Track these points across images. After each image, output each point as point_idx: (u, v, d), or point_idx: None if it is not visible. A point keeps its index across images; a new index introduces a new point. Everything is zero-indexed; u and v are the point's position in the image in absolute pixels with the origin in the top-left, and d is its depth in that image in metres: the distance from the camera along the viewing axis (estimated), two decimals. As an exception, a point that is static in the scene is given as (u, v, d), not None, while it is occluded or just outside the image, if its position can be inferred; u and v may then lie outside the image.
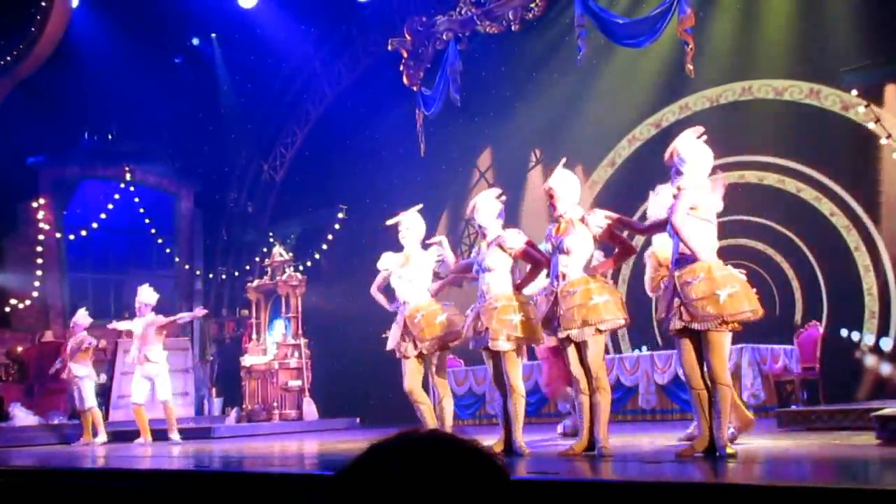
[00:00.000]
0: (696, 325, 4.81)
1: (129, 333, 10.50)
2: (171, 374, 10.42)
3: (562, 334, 5.55)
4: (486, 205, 6.13)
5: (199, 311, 11.53)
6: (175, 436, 10.04)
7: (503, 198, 6.38)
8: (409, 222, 6.82)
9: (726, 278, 4.85)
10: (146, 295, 10.35)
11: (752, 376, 9.05)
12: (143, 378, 10.05)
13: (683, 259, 4.90)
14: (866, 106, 9.83)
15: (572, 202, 5.76)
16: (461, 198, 14.83)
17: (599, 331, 5.47)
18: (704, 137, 5.15)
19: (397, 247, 7.42)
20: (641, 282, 12.45)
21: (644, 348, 11.07)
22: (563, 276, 5.55)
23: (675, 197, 5.02)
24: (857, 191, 10.58)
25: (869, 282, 10.50)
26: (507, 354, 5.84)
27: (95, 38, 13.97)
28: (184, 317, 11.04)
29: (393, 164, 13.39)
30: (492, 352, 5.94)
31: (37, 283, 14.66)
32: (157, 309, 10.49)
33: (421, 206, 7.14)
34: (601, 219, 5.61)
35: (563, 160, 6.02)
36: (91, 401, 10.54)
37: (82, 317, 10.83)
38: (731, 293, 4.78)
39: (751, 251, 10.76)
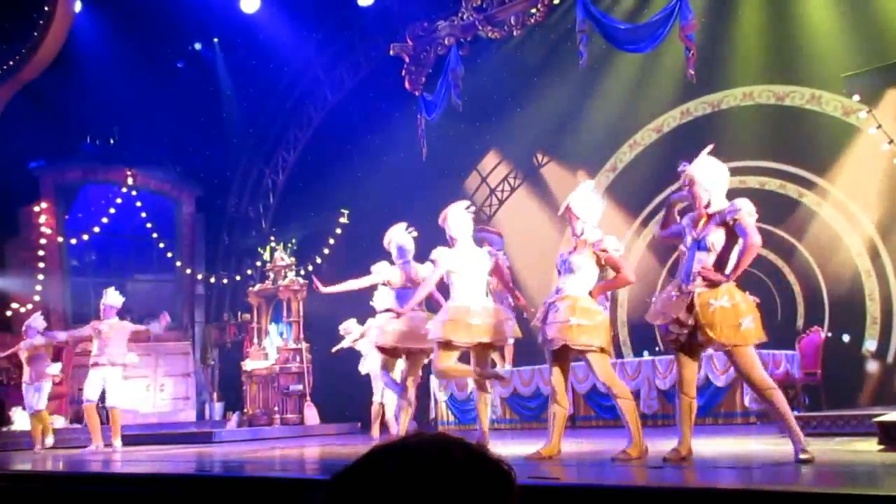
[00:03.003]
0: (711, 349, 4.85)
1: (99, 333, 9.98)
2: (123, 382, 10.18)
3: (549, 346, 5.63)
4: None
5: (164, 320, 10.43)
6: (118, 442, 9.77)
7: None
8: (456, 219, 6.69)
9: (748, 305, 4.88)
10: (113, 298, 10.11)
11: (753, 381, 9.04)
12: (100, 378, 9.80)
13: (706, 276, 4.85)
14: (867, 111, 9.83)
15: (592, 224, 5.75)
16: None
17: (590, 349, 5.55)
18: (710, 149, 5.14)
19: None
20: (644, 288, 12.48)
21: (646, 353, 11.07)
22: (560, 291, 5.69)
23: (737, 219, 4.82)
24: (858, 196, 10.58)
25: (870, 287, 10.50)
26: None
27: (98, 42, 14.00)
28: (153, 327, 10.32)
29: (394, 169, 13.40)
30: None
31: (38, 288, 14.65)
32: (157, 312, 10.49)
33: (468, 204, 6.98)
34: (614, 243, 5.70)
35: (592, 182, 6.12)
36: (44, 403, 10.40)
37: (37, 320, 10.68)
38: (752, 324, 4.81)
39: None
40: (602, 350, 5.60)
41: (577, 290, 5.66)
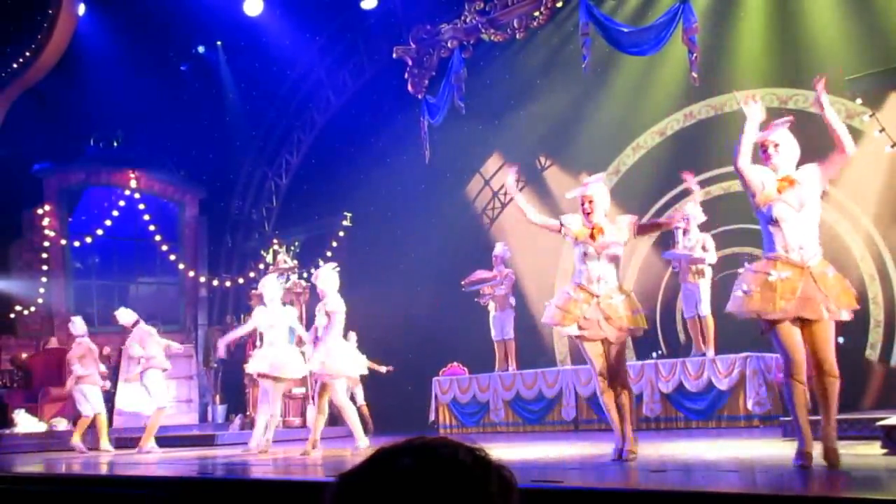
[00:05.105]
0: (842, 317, 4.66)
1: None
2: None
3: (601, 335, 5.61)
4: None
5: None
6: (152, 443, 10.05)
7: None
8: (327, 276, 8.12)
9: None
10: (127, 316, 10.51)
11: (757, 385, 9.03)
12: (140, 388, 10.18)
13: (804, 249, 4.75)
14: (871, 114, 9.82)
15: (604, 211, 5.87)
16: (465, 205, 14.86)
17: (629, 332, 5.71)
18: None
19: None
20: (646, 290, 12.45)
21: (654, 354, 11.06)
22: (603, 281, 5.66)
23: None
24: (861, 198, 10.56)
25: (874, 290, 10.48)
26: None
27: (101, 45, 14.03)
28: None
29: (397, 172, 13.41)
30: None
31: (42, 290, 14.68)
32: (161, 315, 10.63)
33: (336, 265, 7.87)
34: (627, 222, 5.83)
35: (603, 174, 6.23)
36: (100, 405, 10.56)
37: (76, 326, 10.87)
38: (851, 286, 4.80)
39: (755, 260, 10.75)
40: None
41: (616, 277, 5.75)
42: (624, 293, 5.74)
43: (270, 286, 9.11)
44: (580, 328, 5.64)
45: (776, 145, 4.87)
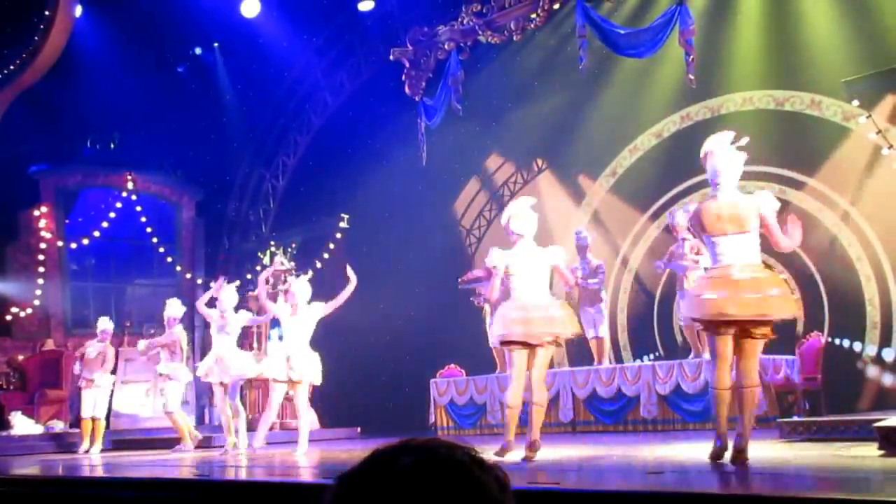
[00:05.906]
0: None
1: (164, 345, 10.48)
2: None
3: (533, 340, 6.09)
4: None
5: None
6: (189, 444, 10.26)
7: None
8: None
9: (703, 280, 5.36)
10: (176, 309, 10.57)
11: (753, 386, 9.03)
12: (180, 386, 10.40)
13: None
14: (867, 116, 9.84)
15: (531, 234, 6.26)
16: (462, 207, 14.87)
17: (551, 343, 6.13)
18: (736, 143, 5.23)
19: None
20: (643, 293, 12.46)
21: (646, 358, 11.07)
22: (532, 296, 6.17)
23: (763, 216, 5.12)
24: (858, 201, 10.59)
25: (870, 292, 10.50)
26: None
27: (98, 47, 14.02)
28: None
29: (394, 174, 13.41)
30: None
31: (38, 292, 14.65)
32: (157, 316, 10.68)
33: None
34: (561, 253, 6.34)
35: (531, 198, 6.54)
36: (86, 411, 10.57)
37: (107, 323, 10.92)
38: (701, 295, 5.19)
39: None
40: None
41: (544, 291, 6.24)
42: (528, 306, 6.09)
43: (229, 295, 9.78)
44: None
45: None
